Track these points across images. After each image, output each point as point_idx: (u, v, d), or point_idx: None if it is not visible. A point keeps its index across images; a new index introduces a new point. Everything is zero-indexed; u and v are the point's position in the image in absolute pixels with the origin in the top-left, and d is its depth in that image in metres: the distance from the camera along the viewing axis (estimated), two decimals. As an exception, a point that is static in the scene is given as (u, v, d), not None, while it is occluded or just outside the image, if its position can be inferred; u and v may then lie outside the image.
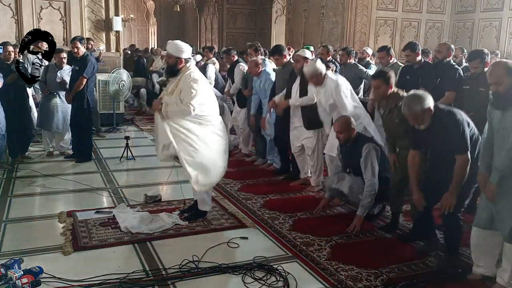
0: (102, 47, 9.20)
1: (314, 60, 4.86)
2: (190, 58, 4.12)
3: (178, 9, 17.81)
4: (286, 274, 3.24)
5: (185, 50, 4.00)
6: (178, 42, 4.09)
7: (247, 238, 3.90)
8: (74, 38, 6.28)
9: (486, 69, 4.23)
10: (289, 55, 5.82)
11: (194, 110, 3.86)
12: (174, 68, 4.00)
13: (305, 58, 5.09)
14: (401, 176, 3.94)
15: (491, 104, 3.02)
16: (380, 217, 4.40)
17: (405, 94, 3.69)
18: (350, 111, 4.53)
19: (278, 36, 15.48)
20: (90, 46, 8.11)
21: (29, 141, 6.52)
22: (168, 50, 4.03)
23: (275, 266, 3.34)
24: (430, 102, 3.27)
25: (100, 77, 8.38)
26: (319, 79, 4.70)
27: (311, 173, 5.34)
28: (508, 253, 2.99)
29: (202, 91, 3.95)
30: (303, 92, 5.03)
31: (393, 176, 4.04)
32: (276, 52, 5.58)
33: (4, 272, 3.02)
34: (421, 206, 3.48)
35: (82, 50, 6.19)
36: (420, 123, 3.29)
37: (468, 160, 3.21)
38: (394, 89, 3.87)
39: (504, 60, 3.45)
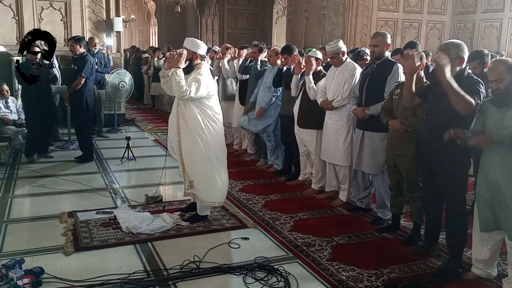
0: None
1: (338, 40, 4.88)
2: (205, 56, 4.20)
3: (179, 10, 17.83)
4: (287, 274, 3.24)
5: (202, 46, 4.09)
6: (195, 38, 4.20)
7: (248, 238, 3.90)
8: (70, 38, 6.34)
9: (485, 69, 4.23)
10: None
11: (189, 93, 3.85)
12: (190, 63, 4.04)
13: (317, 59, 5.09)
14: (399, 178, 3.94)
15: (491, 101, 3.03)
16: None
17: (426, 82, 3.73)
18: (346, 96, 4.57)
19: (279, 37, 15.47)
20: (95, 44, 8.09)
21: (49, 140, 6.67)
22: (185, 46, 4.08)
23: (276, 267, 3.34)
24: (466, 55, 3.28)
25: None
26: (340, 59, 4.70)
27: (312, 175, 5.34)
28: None
29: (207, 85, 3.98)
30: (307, 93, 5.03)
31: (392, 178, 4.03)
32: (286, 51, 5.56)
33: (5, 272, 3.02)
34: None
35: (79, 50, 6.21)
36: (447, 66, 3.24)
37: (472, 104, 3.06)
38: (421, 72, 3.79)
39: (505, 57, 3.45)
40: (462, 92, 3.05)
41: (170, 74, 3.86)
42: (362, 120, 4.29)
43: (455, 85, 3.06)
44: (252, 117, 6.03)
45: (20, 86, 6.66)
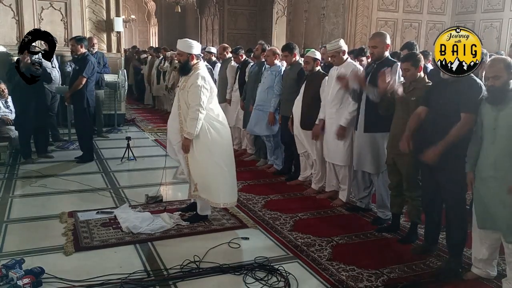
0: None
1: (338, 39, 4.86)
2: (200, 55, 4.17)
3: (179, 10, 17.82)
4: (287, 274, 3.24)
5: (195, 46, 4.07)
6: (188, 39, 4.16)
7: (248, 238, 3.91)
8: (72, 38, 6.40)
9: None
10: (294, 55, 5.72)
11: (203, 108, 3.89)
12: (187, 65, 4.03)
13: (315, 59, 5.08)
14: (399, 178, 3.94)
15: (486, 99, 3.04)
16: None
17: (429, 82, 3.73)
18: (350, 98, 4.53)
19: (279, 37, 15.49)
20: (93, 44, 8.06)
21: (47, 140, 6.66)
22: (179, 48, 4.06)
23: (276, 267, 3.34)
24: None
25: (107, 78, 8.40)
26: (340, 58, 4.69)
27: (312, 175, 5.34)
28: None
29: (210, 90, 3.98)
30: (308, 94, 5.03)
31: (392, 177, 4.04)
32: (286, 49, 5.54)
33: (5, 272, 3.03)
34: (405, 150, 3.52)
35: (81, 50, 6.22)
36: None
37: (473, 121, 3.12)
38: (421, 73, 3.76)
39: (503, 56, 3.45)
40: (453, 134, 3.17)
41: (191, 136, 3.93)
42: (367, 121, 4.26)
43: (447, 140, 3.18)
44: (255, 121, 5.92)
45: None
